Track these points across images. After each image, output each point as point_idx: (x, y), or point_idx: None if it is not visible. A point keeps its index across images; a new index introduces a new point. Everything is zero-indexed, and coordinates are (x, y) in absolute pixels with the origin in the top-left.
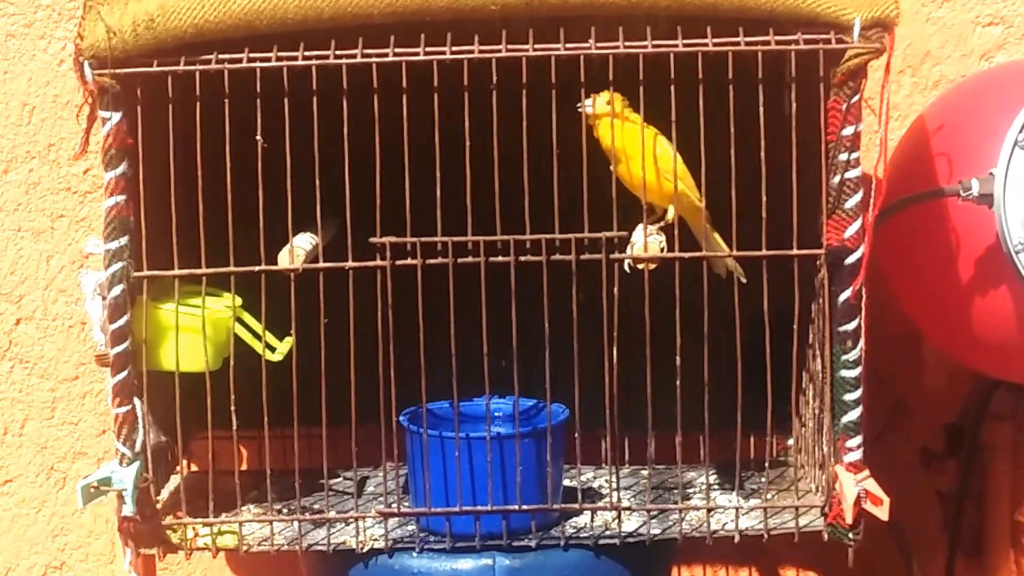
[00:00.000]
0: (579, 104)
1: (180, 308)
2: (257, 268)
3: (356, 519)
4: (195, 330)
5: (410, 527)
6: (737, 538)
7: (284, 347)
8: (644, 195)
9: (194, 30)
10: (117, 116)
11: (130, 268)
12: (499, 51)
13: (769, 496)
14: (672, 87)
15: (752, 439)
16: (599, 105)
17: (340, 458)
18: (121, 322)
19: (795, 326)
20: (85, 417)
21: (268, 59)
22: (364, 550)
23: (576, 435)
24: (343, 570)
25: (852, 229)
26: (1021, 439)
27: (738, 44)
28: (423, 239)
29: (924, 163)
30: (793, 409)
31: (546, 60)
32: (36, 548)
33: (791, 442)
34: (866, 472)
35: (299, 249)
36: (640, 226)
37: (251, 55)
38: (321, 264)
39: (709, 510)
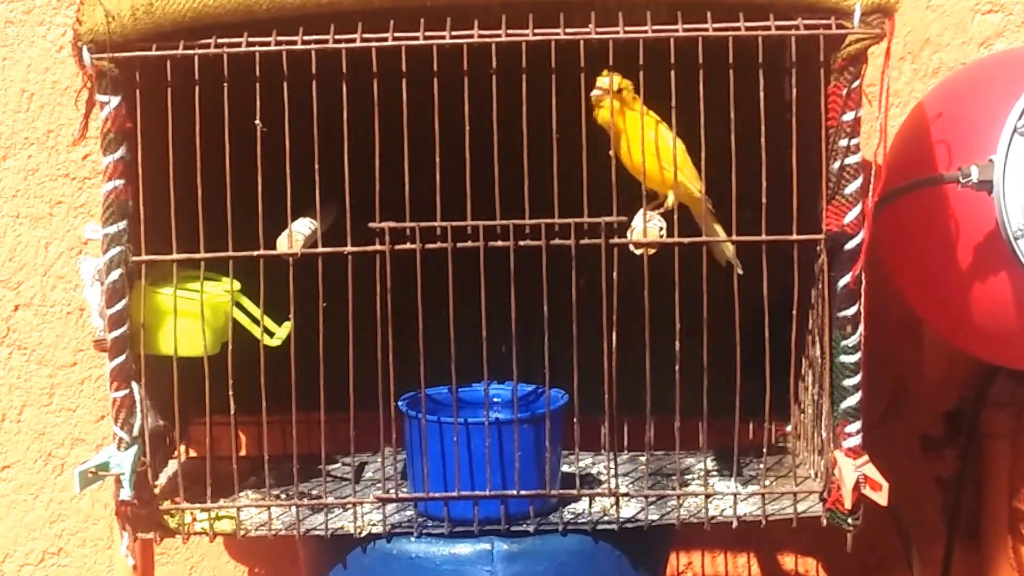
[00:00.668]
0: (595, 89)
1: (179, 292)
2: (256, 253)
3: (354, 504)
4: (194, 314)
5: (408, 512)
6: (735, 524)
7: (282, 332)
8: (644, 182)
9: (193, 14)
10: (116, 100)
11: (128, 252)
12: (499, 36)
13: (767, 482)
14: (672, 72)
15: (751, 425)
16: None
17: (338, 443)
18: (119, 306)
19: (795, 312)
20: (83, 403)
21: (267, 43)
22: (362, 535)
23: (575, 420)
24: (341, 555)
25: (852, 215)
26: (1020, 426)
27: (738, 29)
28: (422, 224)
29: (924, 150)
30: (792, 395)
31: (546, 45)
32: (34, 534)
33: (789, 428)
34: (865, 457)
35: (298, 234)
36: (640, 211)
37: (250, 39)
38: (320, 249)
39: (707, 496)
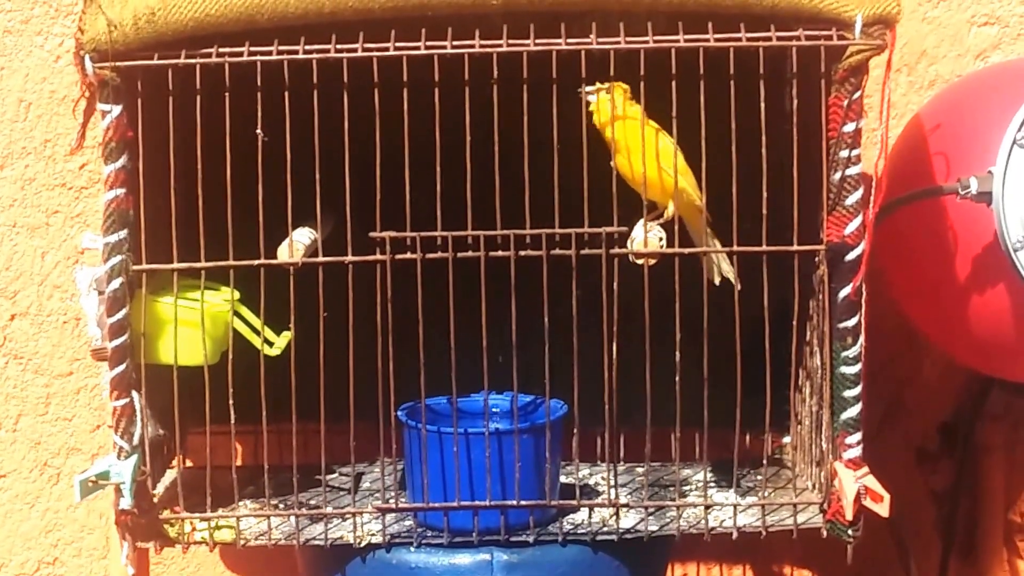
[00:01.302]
0: (579, 90)
1: (179, 302)
2: (256, 262)
3: (354, 514)
4: (194, 324)
5: (407, 522)
6: (735, 535)
7: (282, 342)
8: (644, 191)
9: (195, 23)
10: (117, 109)
11: (129, 261)
12: (500, 46)
13: (766, 493)
14: (673, 83)
15: (748, 437)
16: (602, 96)
17: (337, 454)
18: (120, 315)
19: (794, 323)
20: (79, 413)
21: (269, 52)
22: (361, 545)
23: (575, 431)
24: (340, 565)
25: (852, 226)
26: (1015, 438)
27: (739, 40)
28: (423, 234)
29: (922, 161)
30: (791, 407)
31: (547, 55)
32: (29, 544)
33: (787, 440)
34: (865, 468)
35: (298, 243)
36: (640, 222)
37: (252, 48)
38: (320, 258)
39: (707, 507)
